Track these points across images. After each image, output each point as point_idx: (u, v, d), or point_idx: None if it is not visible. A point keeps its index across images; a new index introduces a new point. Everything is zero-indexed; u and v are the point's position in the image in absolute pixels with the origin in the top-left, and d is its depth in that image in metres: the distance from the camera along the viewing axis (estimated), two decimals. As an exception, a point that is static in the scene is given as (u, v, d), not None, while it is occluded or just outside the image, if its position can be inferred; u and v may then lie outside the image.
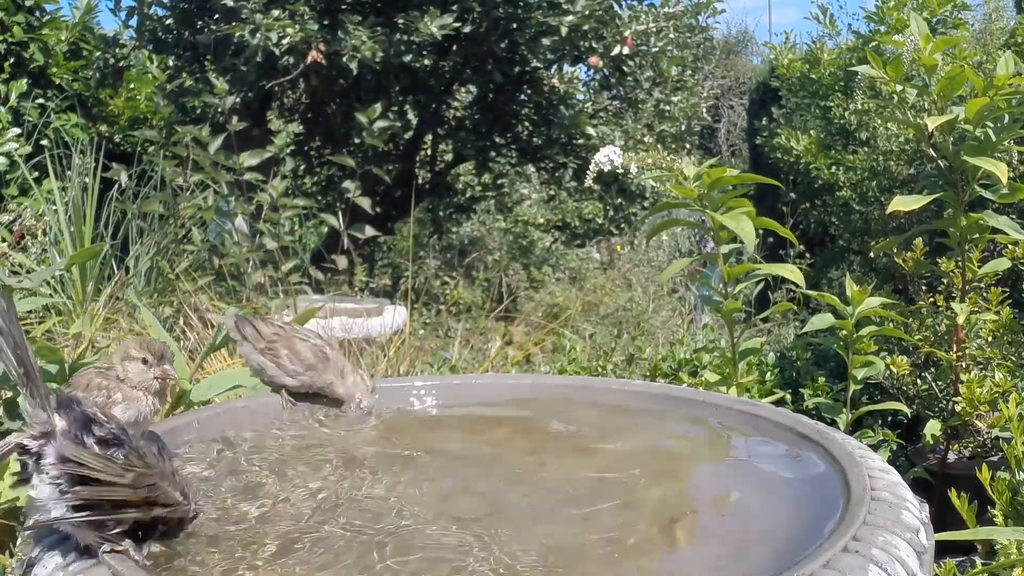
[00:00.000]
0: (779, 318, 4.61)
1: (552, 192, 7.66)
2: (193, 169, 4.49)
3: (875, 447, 2.44)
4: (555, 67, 6.61)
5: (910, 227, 2.89)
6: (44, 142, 5.87)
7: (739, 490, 1.42)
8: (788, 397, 2.88)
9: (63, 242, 4.08)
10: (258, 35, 5.05)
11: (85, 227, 4.05)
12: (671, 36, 6.78)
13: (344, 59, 5.26)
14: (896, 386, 2.68)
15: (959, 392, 2.33)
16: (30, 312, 3.37)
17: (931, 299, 2.63)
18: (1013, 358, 2.47)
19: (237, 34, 5.11)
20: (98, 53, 6.65)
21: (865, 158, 3.79)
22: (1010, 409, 1.75)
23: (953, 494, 1.63)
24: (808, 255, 5.17)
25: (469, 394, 1.84)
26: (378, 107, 5.16)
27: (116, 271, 4.13)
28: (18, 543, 1.21)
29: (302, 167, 6.55)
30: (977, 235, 2.42)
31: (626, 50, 6.25)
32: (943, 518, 1.84)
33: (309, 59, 5.26)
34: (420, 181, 6.90)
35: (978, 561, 1.91)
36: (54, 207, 4.15)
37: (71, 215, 4.09)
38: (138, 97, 7.21)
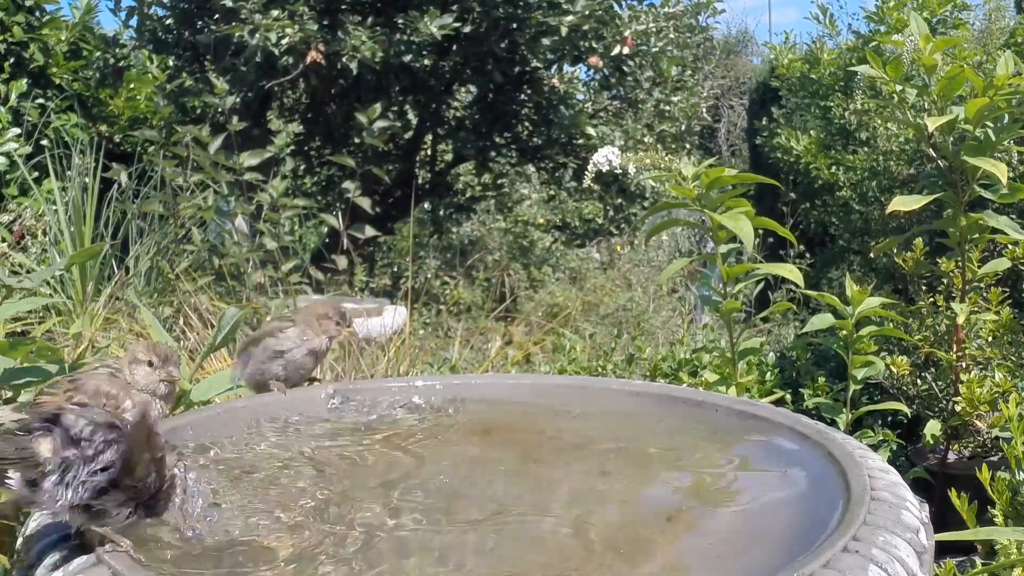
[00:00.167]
0: (779, 318, 4.61)
1: (552, 192, 7.66)
2: (193, 169, 4.49)
3: (875, 447, 2.44)
4: (555, 67, 6.61)
5: (910, 227, 2.89)
6: (44, 142, 5.87)
7: (738, 490, 1.42)
8: (788, 397, 2.88)
9: (63, 242, 4.08)
10: (257, 35, 5.05)
11: (85, 227, 4.05)
12: (671, 36, 6.78)
13: (344, 59, 5.26)
14: (896, 386, 2.68)
15: (959, 392, 2.33)
16: (30, 312, 3.37)
17: (931, 299, 2.63)
18: (1013, 358, 2.48)
19: (236, 34, 5.11)
20: (98, 53, 6.65)
21: (865, 158, 3.79)
22: (1010, 409, 1.75)
23: (953, 494, 1.63)
24: (808, 255, 5.17)
25: (469, 394, 1.84)
26: (378, 107, 5.16)
27: (116, 271, 4.13)
28: (18, 543, 1.20)
29: (302, 167, 6.55)
30: (977, 235, 2.42)
31: (626, 50, 6.25)
32: (943, 518, 1.84)
33: (309, 59, 5.26)
34: (420, 181, 6.90)
35: (978, 561, 1.92)
36: (54, 207, 4.15)
37: (71, 215, 4.09)
38: (138, 97, 7.21)
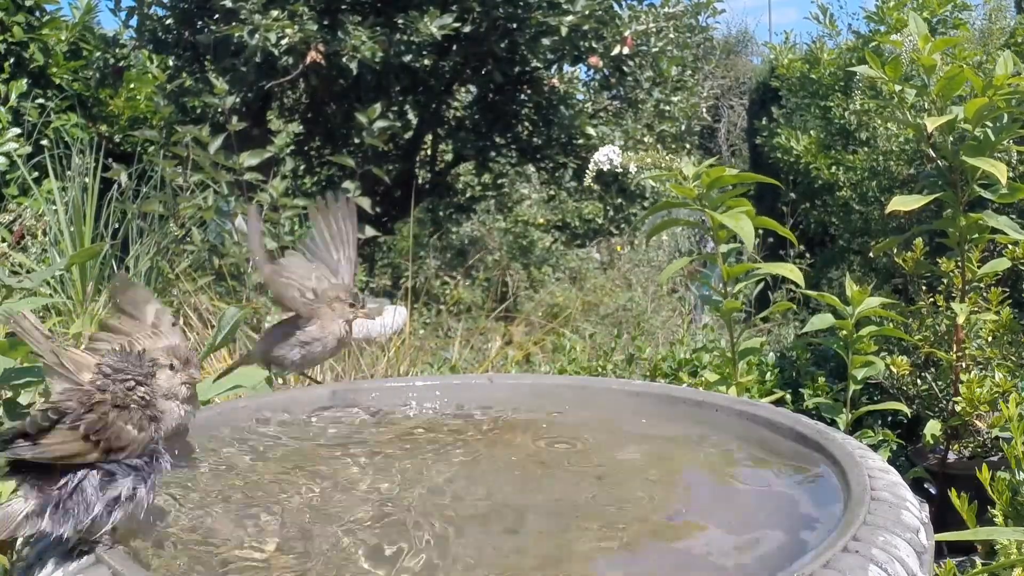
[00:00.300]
0: (779, 318, 4.61)
1: (552, 192, 7.66)
2: (193, 169, 4.49)
3: (875, 447, 2.44)
4: (555, 67, 6.61)
5: (910, 227, 2.89)
6: (44, 142, 5.87)
7: (738, 490, 1.42)
8: (788, 397, 2.88)
9: (63, 242, 4.07)
10: (257, 35, 5.05)
11: (85, 227, 4.05)
12: (671, 36, 6.78)
13: (344, 59, 5.26)
14: (896, 386, 2.68)
15: (959, 392, 2.33)
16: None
17: (931, 299, 2.63)
18: (1013, 358, 2.48)
19: (236, 34, 5.11)
20: (98, 53, 6.65)
21: (865, 158, 3.79)
22: (1010, 409, 1.75)
23: (953, 494, 1.63)
24: (808, 255, 5.17)
25: (469, 394, 1.84)
26: (378, 107, 5.16)
27: (116, 271, 4.13)
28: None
29: (302, 167, 6.55)
30: (977, 235, 2.42)
31: (626, 50, 6.25)
32: (943, 518, 1.84)
33: (309, 59, 5.25)
34: (420, 181, 6.90)
35: (978, 561, 1.92)
36: (54, 207, 4.15)
37: (71, 215, 4.09)
38: (138, 97, 7.21)
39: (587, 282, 6.31)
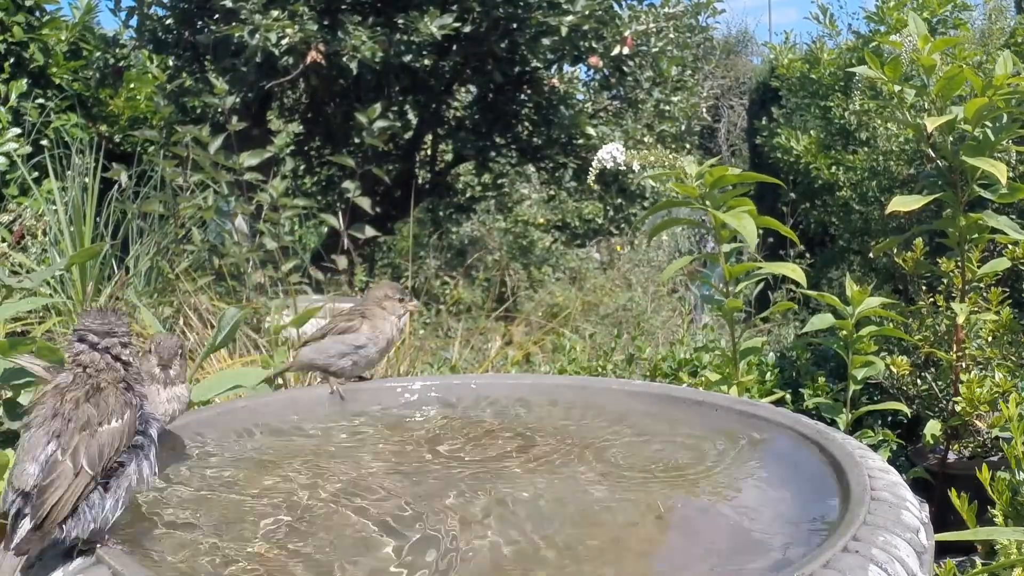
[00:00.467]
0: (779, 318, 4.61)
1: (552, 192, 7.66)
2: (193, 169, 4.48)
3: (875, 447, 2.44)
4: (555, 67, 6.61)
5: (910, 227, 2.89)
6: (44, 142, 5.87)
7: (739, 490, 1.42)
8: (788, 397, 2.88)
9: (63, 242, 4.07)
10: (257, 35, 5.05)
11: (85, 227, 4.05)
12: (671, 36, 6.78)
13: (344, 59, 5.26)
14: (896, 386, 2.68)
15: (959, 392, 2.33)
16: (30, 312, 3.36)
17: (931, 299, 2.63)
18: (1013, 358, 2.47)
19: (236, 34, 5.11)
20: (98, 53, 6.65)
21: (865, 158, 3.79)
22: (1010, 409, 1.75)
23: (953, 494, 1.63)
24: (808, 255, 5.17)
25: (468, 394, 1.85)
26: (378, 107, 5.16)
27: (116, 271, 4.13)
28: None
29: (302, 167, 6.55)
30: (977, 235, 2.42)
31: (626, 50, 6.25)
32: (943, 518, 1.84)
33: (309, 59, 5.25)
34: (420, 181, 6.90)
35: (978, 561, 1.91)
36: (54, 207, 4.14)
37: (71, 215, 4.09)
38: (138, 97, 7.21)
39: (587, 282, 6.31)
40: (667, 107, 7.20)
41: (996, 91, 2.24)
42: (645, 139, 6.96)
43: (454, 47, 6.05)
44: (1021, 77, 2.27)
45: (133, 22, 6.26)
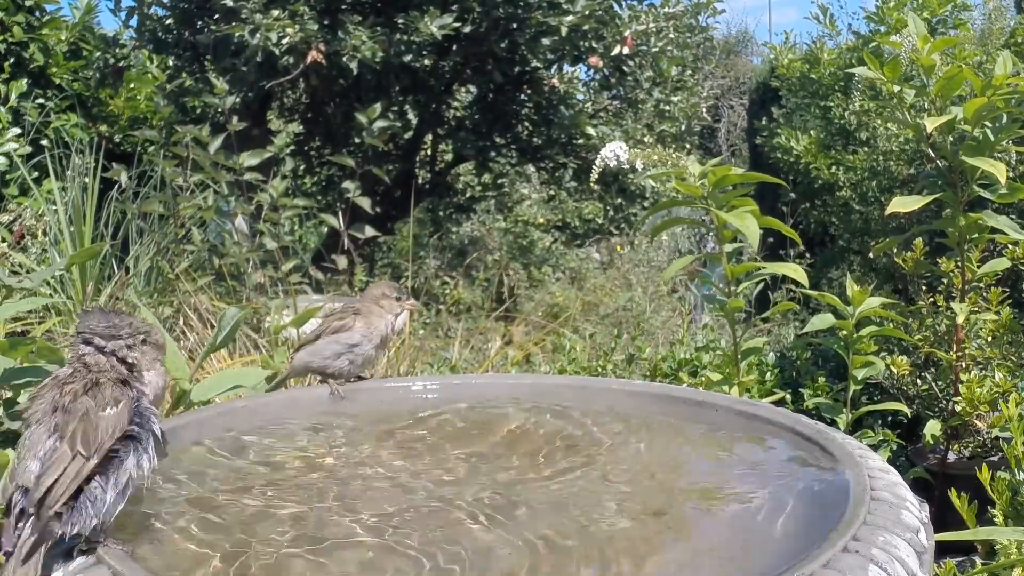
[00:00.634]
0: (779, 318, 4.61)
1: (552, 192, 7.66)
2: (193, 169, 4.48)
3: (875, 447, 2.44)
4: (555, 67, 6.61)
5: (910, 227, 2.89)
6: (44, 142, 5.87)
7: (739, 490, 1.42)
8: (788, 397, 2.88)
9: (63, 242, 4.07)
10: (258, 35, 5.05)
11: (85, 227, 4.05)
12: (671, 36, 6.77)
13: (344, 59, 5.25)
14: (896, 386, 2.68)
15: (959, 392, 2.33)
16: (30, 312, 3.36)
17: (931, 299, 2.63)
18: (1013, 358, 2.47)
19: (237, 34, 5.11)
20: (98, 53, 6.65)
21: (865, 158, 3.79)
22: (1010, 409, 1.75)
23: (953, 494, 1.63)
24: (808, 255, 5.17)
25: (469, 394, 1.84)
26: (378, 107, 5.15)
27: (116, 271, 4.13)
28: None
29: (302, 167, 6.54)
30: (976, 235, 2.42)
31: (626, 50, 6.24)
32: (943, 518, 1.84)
33: (309, 59, 5.25)
34: (420, 181, 6.90)
35: (978, 561, 1.91)
36: (54, 207, 4.14)
37: (71, 215, 4.09)
38: (138, 97, 7.21)
39: (587, 282, 6.31)
40: (667, 107, 7.20)
41: (996, 91, 2.24)
42: (645, 139, 6.96)
43: (454, 47, 6.05)
44: (1021, 77, 2.27)
45: (133, 22, 6.25)
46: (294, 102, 6.84)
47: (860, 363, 2.41)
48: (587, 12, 5.72)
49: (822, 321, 2.42)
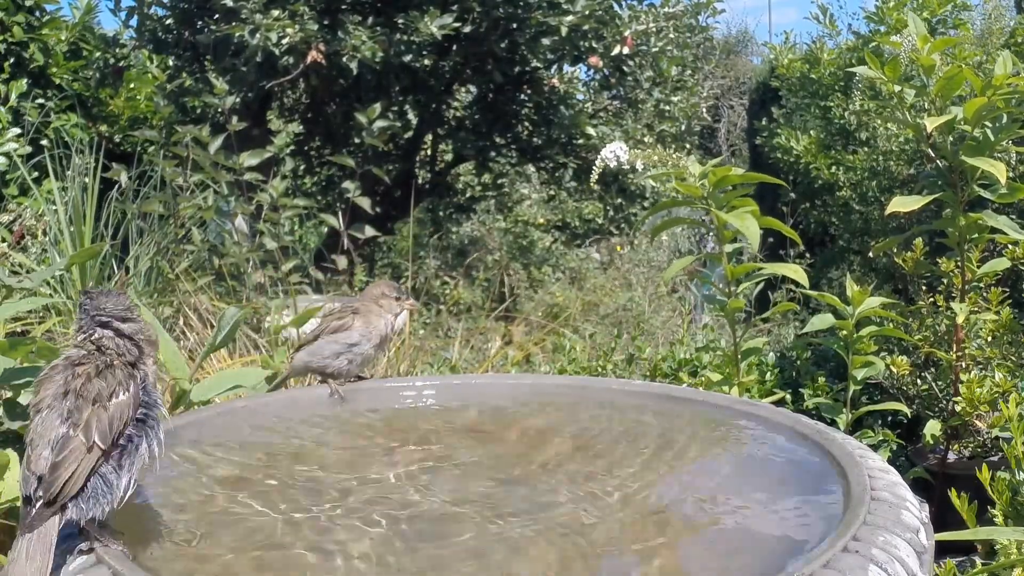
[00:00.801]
0: (779, 318, 4.61)
1: (552, 192, 7.65)
2: (193, 169, 4.48)
3: (875, 447, 2.44)
4: (555, 67, 6.61)
5: (910, 227, 2.89)
6: (44, 142, 5.87)
7: (739, 490, 1.42)
8: (788, 397, 2.88)
9: (63, 242, 4.07)
10: (258, 35, 5.04)
11: (85, 227, 4.05)
12: (671, 36, 6.77)
13: (344, 59, 5.25)
14: (896, 386, 2.68)
15: (959, 392, 2.33)
16: (30, 312, 3.36)
17: (931, 299, 2.63)
18: (1013, 358, 2.47)
19: (237, 34, 5.11)
20: (98, 53, 6.65)
21: (865, 158, 3.79)
22: (1010, 409, 1.75)
23: (953, 494, 1.63)
24: (808, 255, 5.17)
25: (469, 394, 1.84)
26: (378, 107, 5.16)
27: (116, 271, 4.13)
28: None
29: (302, 167, 6.54)
30: (976, 235, 2.42)
31: (626, 50, 6.24)
32: (943, 518, 1.84)
33: (309, 59, 5.25)
34: (420, 181, 6.90)
35: (978, 561, 1.91)
36: (54, 207, 4.15)
37: (71, 215, 4.09)
38: (138, 97, 7.21)
39: (587, 282, 6.31)
40: (667, 107, 7.20)
41: (996, 91, 2.24)
42: (645, 139, 6.95)
43: (454, 47, 6.05)
44: (1021, 77, 2.27)
45: (133, 22, 6.25)
46: (294, 102, 6.84)
47: (860, 363, 2.41)
48: (587, 12, 5.72)
49: (822, 321, 2.42)
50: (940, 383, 2.60)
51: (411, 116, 6.60)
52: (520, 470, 1.51)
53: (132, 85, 7.18)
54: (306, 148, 6.68)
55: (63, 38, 6.78)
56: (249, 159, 4.45)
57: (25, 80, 6.32)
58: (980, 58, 3.27)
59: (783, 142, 4.21)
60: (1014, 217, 2.49)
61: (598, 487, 1.42)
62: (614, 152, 2.85)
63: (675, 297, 6.07)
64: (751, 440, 1.56)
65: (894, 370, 2.57)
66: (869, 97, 3.73)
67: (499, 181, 7.22)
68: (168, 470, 1.42)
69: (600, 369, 3.38)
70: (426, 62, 5.96)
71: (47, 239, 4.53)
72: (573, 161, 6.68)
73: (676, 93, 7.30)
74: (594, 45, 6.13)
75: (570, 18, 5.67)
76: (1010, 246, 2.49)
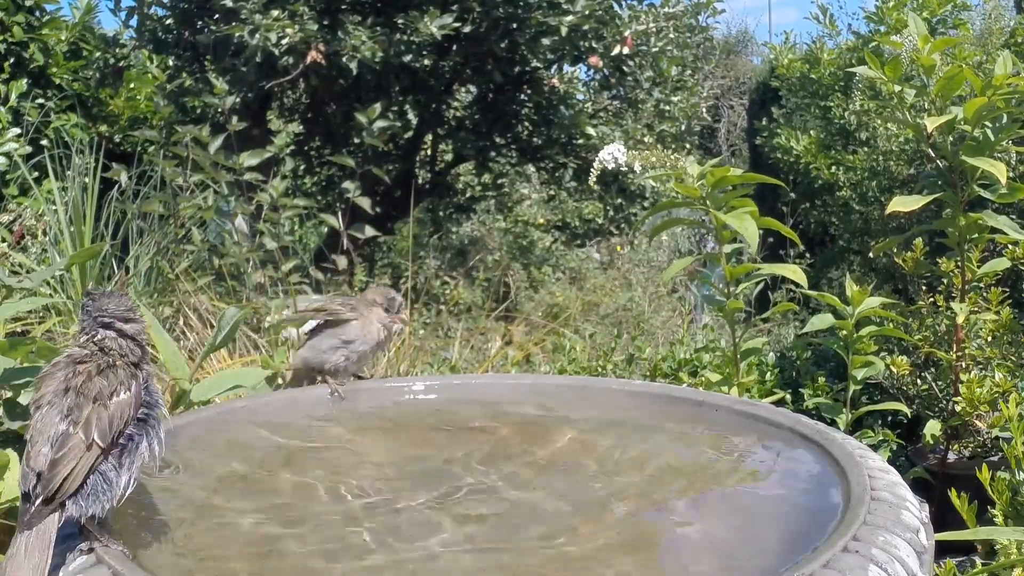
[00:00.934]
0: (779, 318, 4.61)
1: (552, 192, 7.65)
2: (193, 169, 4.48)
3: (875, 447, 2.44)
4: (555, 67, 6.60)
5: (910, 227, 2.89)
6: (44, 142, 5.87)
7: (738, 490, 1.42)
8: (788, 397, 2.88)
9: (63, 242, 4.08)
10: (257, 35, 5.04)
11: (85, 227, 4.05)
12: (671, 36, 6.77)
13: (344, 59, 5.25)
14: (896, 386, 2.68)
15: (959, 392, 2.33)
16: (30, 312, 3.36)
17: (931, 299, 2.63)
18: (1013, 358, 2.47)
19: (236, 34, 5.11)
20: (98, 53, 6.65)
21: (865, 158, 3.79)
22: (1010, 409, 1.75)
23: (953, 494, 1.63)
24: (808, 255, 5.17)
25: (469, 394, 1.84)
26: (378, 107, 5.16)
27: (116, 271, 4.13)
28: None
29: (302, 167, 6.54)
30: (976, 235, 2.42)
31: (626, 50, 6.24)
32: (943, 518, 1.84)
33: (309, 59, 5.25)
34: (420, 181, 6.90)
35: (978, 561, 1.91)
36: (54, 207, 4.15)
37: (71, 215, 4.09)
38: (138, 97, 7.21)
39: (587, 282, 6.31)
40: (667, 107, 7.19)
41: (996, 91, 2.24)
42: (645, 139, 6.95)
43: (454, 47, 6.05)
44: (1021, 77, 2.27)
45: (133, 22, 6.25)
46: (294, 102, 6.84)
47: (860, 363, 2.41)
48: (587, 12, 5.72)
49: (822, 321, 2.42)
50: (940, 383, 2.60)
51: (411, 116, 6.60)
52: (516, 470, 1.50)
53: (132, 85, 7.18)
54: (306, 148, 6.68)
55: (63, 38, 6.78)
56: (249, 159, 4.45)
57: (25, 80, 6.32)
58: (980, 58, 3.27)
59: (783, 142, 4.21)
60: (1014, 217, 2.49)
61: (596, 488, 1.42)
62: (612, 154, 2.85)
63: (675, 297, 6.07)
64: (750, 440, 1.56)
65: (894, 370, 2.57)
66: (869, 97, 3.73)
67: (499, 181, 7.22)
68: (168, 470, 1.42)
69: (600, 369, 3.38)
70: (426, 62, 5.96)
71: (47, 239, 4.53)
72: (573, 161, 6.68)
73: (676, 93, 7.29)
74: (594, 45, 6.13)
75: (570, 18, 5.67)
76: (1010, 246, 2.49)
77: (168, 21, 6.10)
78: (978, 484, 1.67)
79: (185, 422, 1.60)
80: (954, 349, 2.51)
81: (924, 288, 2.71)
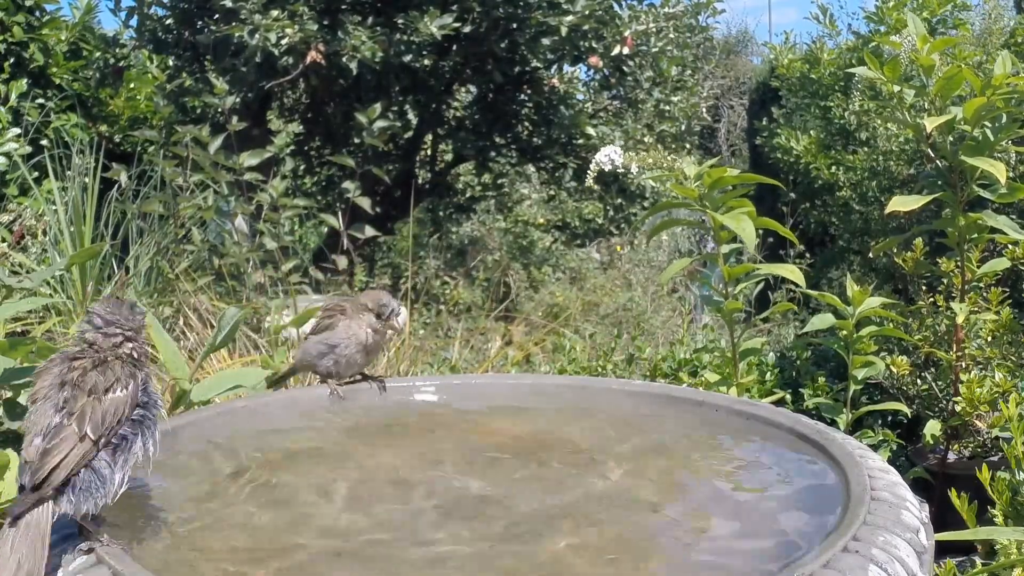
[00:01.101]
0: (779, 318, 4.61)
1: (552, 192, 7.65)
2: (193, 169, 4.48)
3: (875, 447, 2.44)
4: (555, 67, 6.60)
5: (910, 227, 2.89)
6: (44, 142, 5.87)
7: (739, 490, 1.42)
8: (788, 397, 2.88)
9: (63, 242, 4.08)
10: (257, 35, 5.04)
11: (85, 227, 4.05)
12: (671, 36, 6.77)
13: (344, 59, 5.25)
14: (896, 386, 2.68)
15: (959, 392, 2.33)
16: (30, 312, 3.36)
17: (931, 299, 2.63)
18: (1013, 358, 2.47)
19: (236, 34, 5.11)
20: (98, 53, 6.65)
21: (865, 158, 3.79)
22: (1010, 409, 1.75)
23: (953, 494, 1.63)
24: (808, 255, 5.17)
25: (469, 394, 1.84)
26: (378, 107, 5.16)
27: (116, 271, 4.13)
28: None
29: (302, 167, 6.54)
30: (976, 235, 2.42)
31: (626, 50, 6.24)
32: (943, 518, 1.84)
33: (309, 59, 5.25)
34: (420, 181, 6.90)
35: (978, 561, 1.91)
36: (54, 207, 4.15)
37: (71, 215, 4.09)
38: (138, 97, 7.21)
39: (587, 282, 6.31)
40: (667, 107, 7.19)
41: (995, 91, 2.25)
42: (645, 139, 6.95)
43: (454, 47, 6.05)
44: (1020, 77, 2.28)
45: (133, 22, 6.25)
46: (294, 102, 6.84)
47: (860, 363, 2.41)
48: (587, 12, 5.72)
49: (822, 321, 2.42)
50: (940, 383, 2.60)
51: (411, 116, 6.60)
52: (517, 471, 1.50)
53: (132, 85, 7.18)
54: (306, 148, 6.68)
55: (63, 38, 6.78)
56: (249, 159, 4.45)
57: (25, 80, 6.32)
58: (980, 58, 3.27)
59: (783, 142, 4.21)
60: (1014, 217, 2.49)
61: (596, 488, 1.42)
62: (608, 156, 2.86)
63: (675, 297, 6.07)
64: (750, 440, 1.56)
65: (894, 370, 2.57)
66: (869, 97, 3.73)
67: (499, 181, 7.22)
68: (168, 470, 1.42)
69: (600, 369, 3.38)
70: (426, 62, 5.96)
71: (47, 239, 4.53)
72: (573, 161, 6.68)
73: (676, 93, 7.29)
74: (594, 45, 6.13)
75: (570, 18, 5.67)
76: (1010, 246, 2.49)
77: (168, 21, 6.11)
78: (978, 484, 1.67)
79: (185, 422, 1.60)
80: (954, 349, 2.51)
81: (924, 288, 2.72)
